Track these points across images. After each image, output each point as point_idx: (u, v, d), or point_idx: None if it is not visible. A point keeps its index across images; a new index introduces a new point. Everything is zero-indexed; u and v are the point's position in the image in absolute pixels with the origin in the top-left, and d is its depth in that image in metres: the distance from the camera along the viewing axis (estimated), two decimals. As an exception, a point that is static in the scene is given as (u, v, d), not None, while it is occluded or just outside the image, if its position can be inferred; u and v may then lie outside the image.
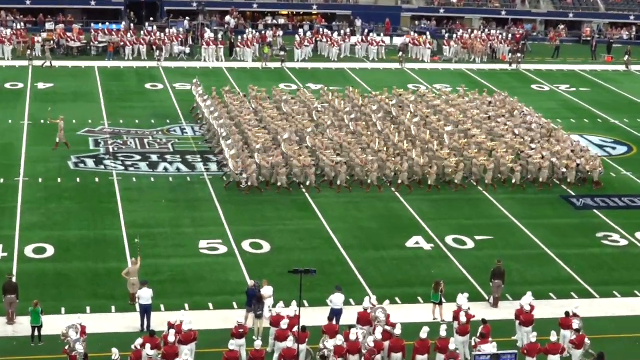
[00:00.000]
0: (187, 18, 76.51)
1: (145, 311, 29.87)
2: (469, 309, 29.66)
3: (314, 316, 30.30)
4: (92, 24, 73.99)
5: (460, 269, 35.64)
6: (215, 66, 67.10)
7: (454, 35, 75.07)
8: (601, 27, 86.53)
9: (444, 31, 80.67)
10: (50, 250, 35.45)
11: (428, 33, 74.78)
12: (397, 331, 28.18)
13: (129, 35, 69.54)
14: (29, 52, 65.36)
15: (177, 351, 27.02)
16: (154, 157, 46.37)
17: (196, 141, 49.09)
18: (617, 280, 35.45)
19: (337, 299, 30.34)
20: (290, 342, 27.09)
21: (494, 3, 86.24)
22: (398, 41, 75.09)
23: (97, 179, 43.00)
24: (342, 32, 74.93)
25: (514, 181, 43.98)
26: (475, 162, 44.31)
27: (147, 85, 61.09)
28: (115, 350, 26.31)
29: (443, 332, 28.12)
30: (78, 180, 42.82)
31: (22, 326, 29.58)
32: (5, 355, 28.22)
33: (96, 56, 68.48)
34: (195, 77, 58.92)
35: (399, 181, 43.09)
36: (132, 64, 66.56)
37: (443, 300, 31.59)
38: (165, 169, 44.94)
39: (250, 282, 31.17)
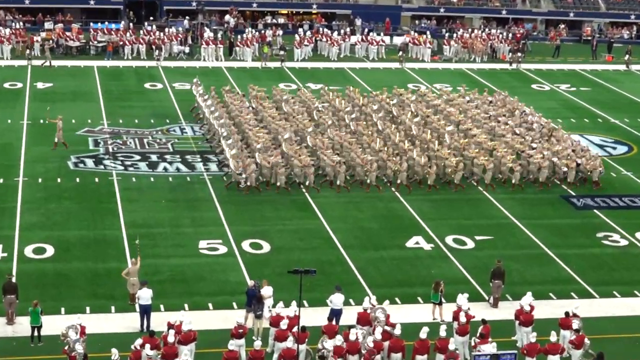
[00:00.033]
0: (187, 17, 76.47)
1: (145, 311, 29.85)
2: (468, 309, 29.64)
3: (314, 316, 30.29)
4: (91, 24, 73.94)
5: (460, 269, 35.62)
6: (214, 66, 67.07)
7: (454, 35, 75.04)
8: (602, 27, 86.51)
9: (444, 30, 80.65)
10: (49, 251, 35.43)
11: (428, 32, 74.76)
12: (397, 331, 28.16)
13: (128, 34, 69.52)
14: (28, 51, 65.34)
15: (177, 351, 27.01)
16: (154, 157, 46.34)
17: (196, 141, 49.06)
18: (617, 280, 35.43)
19: (336, 299, 30.33)
20: (289, 343, 27.07)
21: (494, 2, 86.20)
22: (398, 40, 75.07)
23: (96, 179, 42.98)
24: (342, 31, 74.91)
25: (513, 181, 43.96)
26: (476, 162, 44.28)
27: (147, 85, 61.06)
28: (114, 351, 26.29)
29: (443, 332, 28.10)
30: (77, 180, 42.79)
31: (22, 326, 29.56)
32: (5, 356, 28.21)
33: (95, 56, 68.45)
34: (194, 76, 58.87)
35: (398, 181, 43.06)
36: (132, 64, 66.54)
37: (443, 300, 31.57)
38: (165, 168, 44.91)
39: (250, 282, 31.15)
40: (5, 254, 34.83)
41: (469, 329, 29.04)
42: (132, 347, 26.98)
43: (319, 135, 46.72)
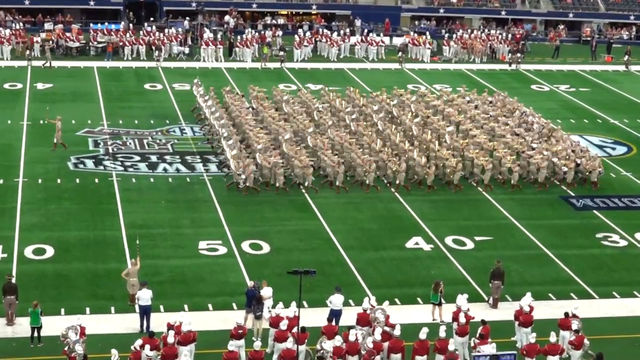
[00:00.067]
0: (187, 18, 76.47)
1: (145, 312, 29.85)
2: (468, 309, 29.65)
3: (314, 317, 30.29)
4: (91, 24, 74.08)
5: (459, 269, 35.64)
6: (214, 66, 67.10)
7: (454, 35, 75.08)
8: (601, 27, 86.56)
9: (443, 31, 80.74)
10: (49, 251, 35.44)
11: (428, 33, 74.83)
12: (397, 332, 28.17)
13: (128, 35, 69.55)
14: (27, 52, 65.36)
15: (177, 352, 27.02)
16: (153, 158, 46.36)
17: (195, 142, 49.08)
18: (616, 280, 35.45)
19: (336, 300, 30.33)
20: (289, 343, 27.08)
21: (493, 3, 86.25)
22: (398, 41, 75.09)
23: (96, 180, 42.99)
24: (342, 32, 74.96)
25: (512, 182, 43.98)
26: (476, 163, 44.30)
27: (146, 86, 61.08)
28: (114, 351, 26.30)
29: (442, 333, 28.12)
30: (77, 180, 42.80)
31: (22, 327, 29.57)
32: (5, 356, 28.21)
33: (95, 56, 68.49)
34: (194, 77, 58.90)
35: (397, 181, 43.08)
36: (131, 64, 66.56)
37: (442, 301, 31.58)
38: (165, 169, 44.92)
39: (250, 283, 31.17)
40: (5, 255, 34.85)
41: (469, 330, 29.05)
42: (132, 347, 26.98)
43: (320, 136, 46.74)
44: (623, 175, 47.18)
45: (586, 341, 28.69)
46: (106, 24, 73.53)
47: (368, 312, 29.55)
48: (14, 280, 30.67)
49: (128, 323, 30.40)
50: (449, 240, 38.17)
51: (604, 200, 43.33)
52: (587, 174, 44.95)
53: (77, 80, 61.39)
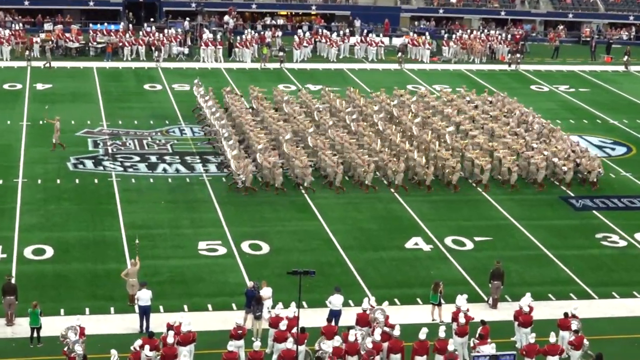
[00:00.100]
0: (188, 19, 76.45)
1: (144, 312, 29.85)
2: (467, 310, 29.66)
3: (313, 317, 30.29)
4: (91, 25, 74.07)
5: (459, 270, 35.64)
6: (214, 67, 67.10)
7: (453, 36, 75.09)
8: (600, 28, 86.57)
9: (443, 31, 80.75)
10: (49, 252, 35.43)
11: (427, 33, 74.82)
12: (396, 332, 28.17)
13: (127, 35, 69.55)
14: (27, 52, 65.37)
15: (176, 352, 27.02)
16: (153, 158, 46.36)
17: (195, 142, 49.08)
18: (616, 281, 35.46)
19: (336, 300, 30.33)
20: (289, 344, 27.08)
21: (493, 3, 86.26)
22: (397, 42, 75.10)
23: (96, 180, 42.99)
24: (341, 32, 74.96)
25: (512, 182, 43.98)
26: (476, 163, 44.30)
27: (146, 86, 61.08)
28: (114, 352, 26.29)
29: (442, 333, 28.12)
30: (77, 181, 42.80)
31: (21, 327, 29.57)
32: (4, 357, 28.21)
33: (95, 57, 68.49)
34: (193, 77, 58.99)
35: (396, 182, 43.09)
36: (131, 65, 66.55)
37: (442, 301, 31.58)
38: (164, 170, 44.92)
39: (250, 283, 31.17)
40: (5, 255, 34.84)
41: (468, 330, 29.05)
42: (132, 348, 26.98)
43: (320, 136, 46.74)
44: (622, 176, 47.18)
45: (586, 341, 28.70)
46: (106, 24, 73.53)
47: (368, 312, 29.55)
48: (13, 281, 30.67)
49: (127, 323, 30.40)
50: (448, 240, 38.17)
51: (603, 200, 43.33)
52: (585, 173, 44.95)
53: (76, 81, 61.39)
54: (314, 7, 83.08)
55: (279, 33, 74.68)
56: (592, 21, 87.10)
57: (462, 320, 29.10)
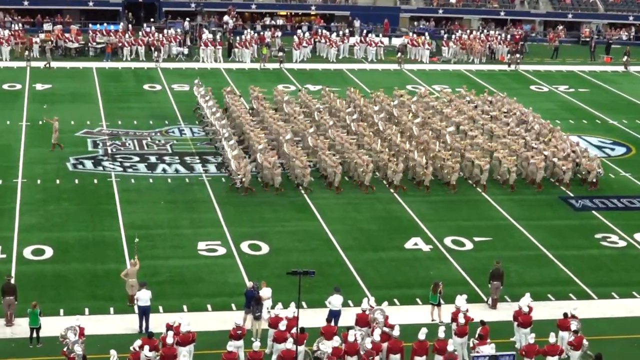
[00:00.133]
0: (188, 19, 76.43)
1: (144, 312, 29.85)
2: (467, 310, 29.66)
3: (313, 317, 30.29)
4: (90, 25, 74.07)
5: (458, 270, 35.64)
6: (213, 67, 67.10)
7: (453, 36, 75.10)
8: (600, 28, 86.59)
9: (442, 32, 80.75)
10: (48, 252, 35.43)
11: (427, 34, 74.84)
12: (396, 332, 28.18)
13: (127, 36, 69.53)
14: (26, 53, 65.37)
15: (176, 353, 27.01)
16: (153, 159, 46.35)
17: (194, 142, 49.07)
18: (615, 281, 35.46)
19: (335, 301, 30.33)
20: (288, 344, 27.08)
21: (492, 3, 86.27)
22: (397, 42, 75.11)
23: (95, 180, 42.99)
24: (341, 32, 74.95)
25: (511, 182, 43.98)
26: (476, 163, 44.29)
27: (145, 86, 61.07)
28: (113, 352, 26.32)
29: (441, 334, 28.13)
30: (76, 181, 42.79)
31: (21, 328, 29.56)
32: (4, 357, 28.20)
33: (94, 57, 68.49)
34: (193, 78, 59.05)
35: (394, 182, 43.09)
36: (130, 65, 66.55)
37: (441, 301, 31.57)
38: (164, 170, 44.92)
39: (249, 284, 31.17)
40: (4, 256, 34.84)
41: (468, 330, 29.05)
42: (131, 348, 26.99)
43: (321, 136, 46.75)
44: (622, 176, 47.19)
45: (585, 342, 28.71)
46: (105, 24, 73.54)
47: (367, 312, 29.55)
48: (13, 281, 30.67)
49: (127, 324, 30.39)
50: (448, 241, 38.17)
51: (603, 200, 43.33)
52: (584, 173, 44.95)
53: (76, 81, 61.39)
54: (313, 8, 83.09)
55: (279, 33, 74.71)
56: (592, 21, 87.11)
57: (461, 320, 29.10)
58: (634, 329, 31.66)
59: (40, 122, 50.17)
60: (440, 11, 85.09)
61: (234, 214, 39.75)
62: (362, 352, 27.51)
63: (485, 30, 79.26)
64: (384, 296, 31.73)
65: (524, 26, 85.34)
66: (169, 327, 27.90)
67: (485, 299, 33.13)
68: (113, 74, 64.01)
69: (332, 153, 44.52)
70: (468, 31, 78.02)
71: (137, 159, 46.16)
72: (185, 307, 31.59)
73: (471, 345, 28.34)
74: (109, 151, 47.05)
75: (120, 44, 68.70)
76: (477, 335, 28.29)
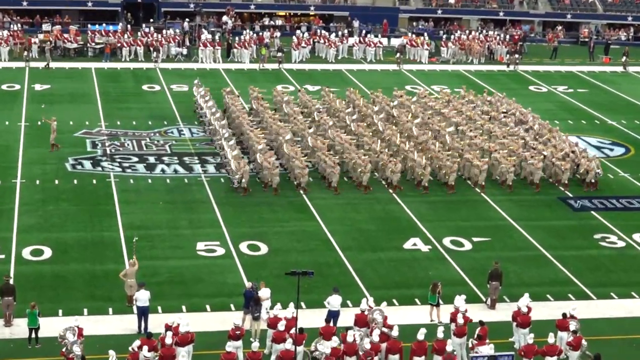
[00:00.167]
0: (187, 19, 76.40)
1: (143, 313, 29.84)
2: (466, 310, 29.67)
3: (312, 318, 30.28)
4: (89, 25, 74.09)
5: (457, 270, 35.64)
6: (212, 67, 67.09)
7: (452, 37, 75.14)
8: (599, 28, 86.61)
9: (441, 32, 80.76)
10: (47, 252, 35.42)
11: (425, 34, 74.84)
12: (395, 333, 28.18)
13: (125, 36, 69.51)
14: (25, 53, 65.36)
15: (175, 353, 27.01)
16: (151, 159, 46.35)
17: (193, 143, 49.07)
18: (614, 281, 35.47)
19: (334, 301, 30.32)
20: (287, 344, 27.08)
21: (491, 4, 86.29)
22: (395, 42, 75.11)
23: (94, 181, 42.98)
24: (340, 33, 74.93)
25: (509, 182, 43.98)
26: (475, 163, 44.29)
27: (144, 87, 61.06)
28: (112, 353, 26.32)
29: (440, 334, 28.12)
30: (75, 182, 42.79)
31: (19, 328, 29.56)
32: (3, 358, 28.19)
33: (93, 57, 68.47)
34: (192, 78, 59.07)
35: (392, 182, 43.10)
36: (129, 65, 66.54)
37: (440, 301, 31.57)
38: (163, 170, 44.91)
39: (248, 284, 31.18)
40: (3, 256, 34.83)
41: (467, 331, 29.06)
42: (130, 348, 26.99)
43: (320, 137, 46.76)
44: (621, 176, 47.20)
45: (584, 342, 28.72)
46: (104, 25, 73.57)
47: (366, 313, 29.55)
48: (11, 282, 30.68)
49: (126, 324, 30.38)
50: (446, 241, 38.17)
51: (601, 201, 43.33)
52: (582, 171, 44.95)
53: (75, 82, 61.38)
54: (312, 8, 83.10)
55: (278, 34, 74.74)
56: (591, 22, 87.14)
57: (460, 320, 29.11)
58: (632, 329, 31.68)
59: (39, 123, 50.18)
60: (439, 11, 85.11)
61: (233, 215, 39.75)
62: (360, 353, 27.51)
63: (484, 31, 79.24)
64: (383, 296, 31.73)
65: (523, 26, 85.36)
66: (168, 328, 27.90)
67: (484, 299, 33.13)
68: (112, 74, 64.00)
69: (331, 153, 44.52)
70: (467, 31, 78.03)
71: (136, 159, 46.15)
72: (184, 308, 31.58)
73: (470, 345, 28.35)
74: (108, 151, 47.04)
75: (119, 45, 68.68)
76: (476, 336, 28.30)
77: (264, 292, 30.67)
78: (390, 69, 69.37)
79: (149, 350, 26.65)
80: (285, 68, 67.42)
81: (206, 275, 34.28)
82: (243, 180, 41.61)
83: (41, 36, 69.36)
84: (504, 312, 32.02)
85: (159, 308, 31.26)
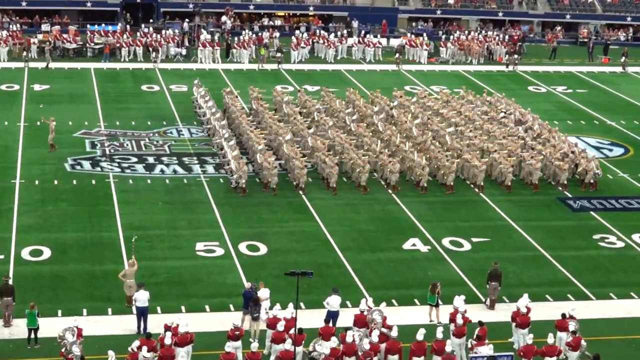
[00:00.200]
0: (187, 20, 76.37)
1: (142, 313, 29.84)
2: (465, 311, 29.67)
3: (311, 318, 30.29)
4: (88, 26, 74.10)
5: (456, 271, 35.65)
6: (211, 68, 67.07)
7: (451, 37, 75.14)
8: (598, 29, 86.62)
9: (440, 32, 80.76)
10: (46, 253, 35.41)
11: (425, 34, 74.82)
12: (394, 333, 28.19)
13: (125, 36, 69.49)
14: (24, 53, 65.33)
15: (174, 353, 27.00)
16: (151, 159, 46.34)
17: (192, 143, 49.06)
18: (613, 282, 35.48)
19: (333, 301, 30.32)
20: (287, 345, 27.08)
21: (490, 4, 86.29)
22: (395, 42, 75.12)
23: (93, 181, 42.97)
24: (339, 33, 74.92)
25: (508, 183, 43.99)
26: (474, 164, 44.29)
27: (143, 87, 61.05)
28: (111, 353, 26.31)
29: (439, 334, 28.11)
30: (74, 182, 42.77)
31: (19, 329, 29.57)
32: (2, 358, 28.19)
33: (92, 58, 68.44)
34: (191, 78, 59.09)
35: (390, 182, 43.10)
36: (128, 66, 66.52)
37: (440, 302, 31.58)
38: (162, 170, 44.90)
39: (247, 284, 31.19)
40: (2, 256, 34.82)
41: (466, 331, 29.06)
42: (129, 349, 26.99)
43: (320, 137, 46.76)
44: (620, 177, 47.21)
45: (583, 342, 28.73)
46: (103, 25, 73.54)
47: (365, 313, 29.55)
48: (10, 282, 30.68)
49: (125, 324, 30.38)
50: (446, 241, 38.17)
51: (601, 201, 43.34)
52: (580, 170, 44.96)
53: (74, 82, 61.37)
54: (311, 8, 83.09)
55: (277, 34, 74.72)
56: (590, 22, 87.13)
57: (459, 321, 29.11)
58: (631, 330, 31.69)
59: (39, 123, 50.17)
60: (438, 12, 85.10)
61: (232, 215, 39.74)
62: (360, 353, 27.50)
63: (483, 31, 79.22)
64: (382, 297, 31.73)
65: (522, 27, 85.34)
66: (167, 328, 27.90)
67: (484, 300, 33.13)
68: (111, 74, 63.98)
69: (331, 154, 44.52)
70: (466, 32, 77.99)
71: (135, 159, 46.14)
72: (183, 308, 31.58)
73: (469, 345, 28.35)
74: (107, 152, 47.03)
75: (118, 45, 68.66)
76: (475, 336, 28.30)
77: (263, 293, 30.67)
78: (390, 69, 69.37)
79: (148, 351, 26.64)
80: (284, 68, 67.41)
81: (205, 275, 34.28)
82: (242, 180, 41.59)
83: (40, 36, 69.34)
84: (503, 312, 32.03)
85: (158, 308, 31.26)
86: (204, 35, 70.00)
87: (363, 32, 75.96)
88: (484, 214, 41.50)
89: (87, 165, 45.11)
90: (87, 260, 34.97)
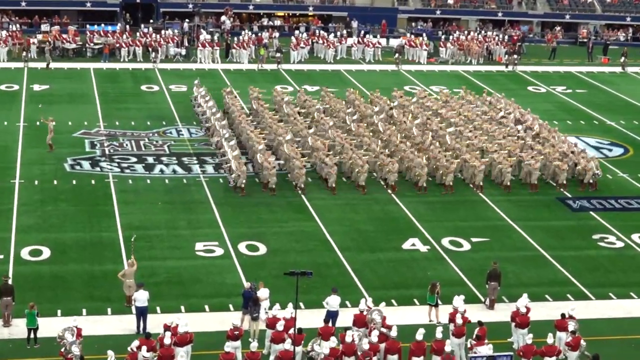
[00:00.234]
0: (187, 20, 76.36)
1: (141, 313, 29.84)
2: (464, 311, 29.67)
3: (311, 318, 30.29)
4: (88, 26, 74.09)
5: (456, 270, 35.65)
6: (211, 68, 67.06)
7: (450, 37, 75.15)
8: (597, 29, 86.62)
9: (440, 33, 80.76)
10: (46, 253, 35.41)
11: (424, 34, 74.84)
12: (393, 333, 28.20)
13: (124, 36, 69.49)
14: (24, 53, 65.32)
15: (173, 353, 27.00)
16: (150, 159, 46.33)
17: (192, 143, 49.06)
18: (613, 282, 35.48)
19: (333, 301, 30.33)
20: (286, 344, 27.08)
21: (490, 4, 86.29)
22: (394, 43, 75.12)
23: (93, 181, 42.97)
24: (338, 33, 74.92)
25: (507, 183, 44.00)
26: (472, 164, 44.28)
27: (143, 87, 61.04)
28: (111, 353, 26.29)
29: (439, 334, 28.12)
30: (74, 182, 42.77)
31: (18, 328, 29.57)
32: (1, 358, 28.19)
33: (92, 58, 68.42)
34: (190, 78, 59.09)
35: (389, 182, 43.10)
36: (128, 66, 66.51)
37: (439, 302, 31.58)
38: (161, 170, 44.90)
39: (247, 284, 31.20)
40: (2, 256, 34.82)
41: (465, 331, 29.07)
42: (129, 349, 26.99)
43: (320, 137, 46.77)
44: (619, 177, 47.21)
45: (583, 342, 28.73)
46: (103, 25, 73.50)
47: (365, 313, 29.55)
48: (10, 282, 30.67)
49: (124, 324, 30.38)
50: (445, 241, 38.18)
51: (600, 201, 43.35)
52: (578, 168, 44.96)
53: (73, 82, 61.36)
54: (311, 8, 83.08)
55: (276, 34, 74.71)
56: (589, 22, 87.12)
57: (459, 321, 29.12)
58: (631, 330, 31.69)
59: (38, 123, 50.16)
60: (438, 12, 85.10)
61: (232, 215, 39.75)
62: (359, 353, 27.50)
63: (482, 31, 79.23)
64: (382, 297, 31.72)
65: (522, 27, 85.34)
66: (167, 328, 27.90)
67: (483, 300, 33.14)
68: (110, 74, 63.98)
69: (331, 154, 44.52)
70: (466, 32, 77.98)
71: (134, 159, 46.14)
72: (182, 308, 31.58)
73: (469, 345, 28.35)
74: (107, 152, 47.03)
75: (117, 45, 68.65)
76: (474, 336, 28.30)
77: (263, 293, 30.67)
78: (389, 69, 69.37)
79: (147, 351, 26.64)
80: (284, 68, 67.40)
81: (205, 275, 34.28)
82: (241, 180, 41.58)
83: (40, 36, 69.33)
84: (502, 312, 32.03)
85: (158, 308, 31.26)
86: (204, 36, 70.02)
87: (362, 32, 75.97)
88: (483, 214, 41.51)
89: (86, 165, 45.11)
90: (86, 260, 34.97)
